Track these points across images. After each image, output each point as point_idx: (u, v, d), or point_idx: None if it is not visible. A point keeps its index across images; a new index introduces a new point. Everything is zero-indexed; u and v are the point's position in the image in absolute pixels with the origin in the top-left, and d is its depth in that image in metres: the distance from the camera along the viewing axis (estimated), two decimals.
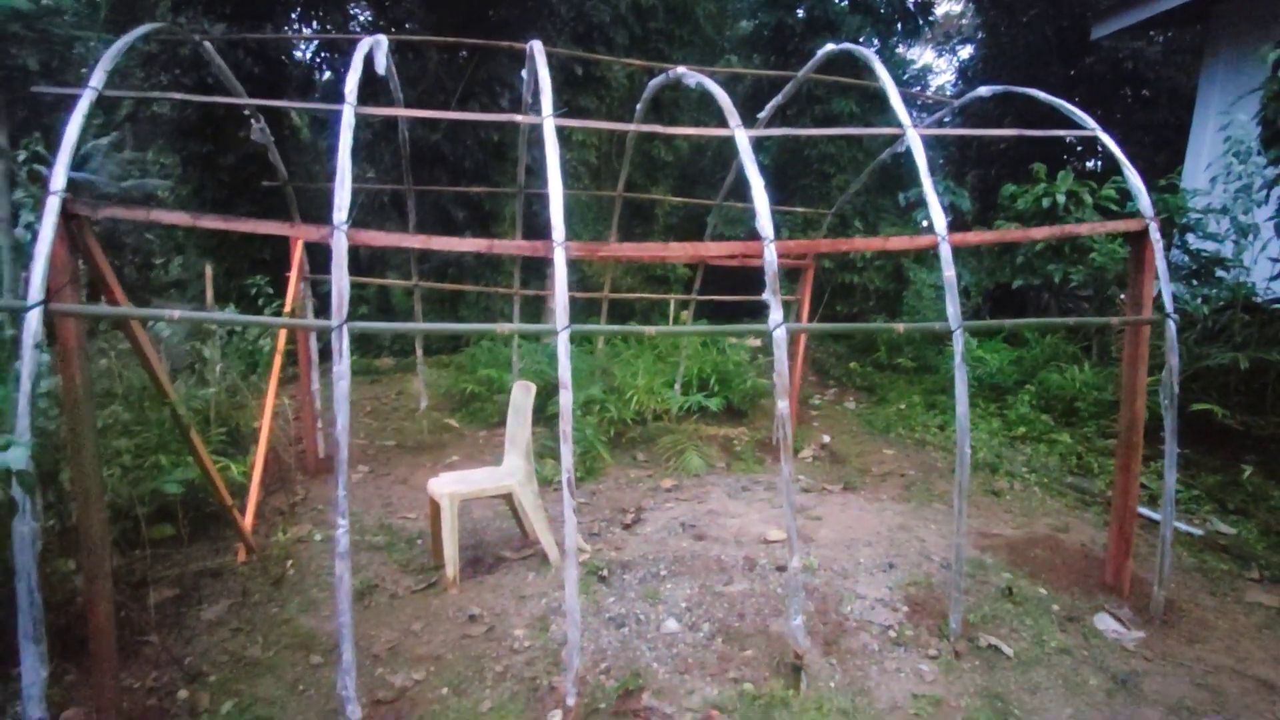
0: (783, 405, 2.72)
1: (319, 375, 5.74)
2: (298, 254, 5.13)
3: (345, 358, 2.29)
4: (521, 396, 3.91)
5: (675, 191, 12.45)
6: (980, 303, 8.98)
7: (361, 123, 2.35)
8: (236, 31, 8.63)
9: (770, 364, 9.42)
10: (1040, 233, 4.13)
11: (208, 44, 3.35)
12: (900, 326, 3.15)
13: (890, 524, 4.21)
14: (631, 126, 3.22)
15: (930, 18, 15.04)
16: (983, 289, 9.10)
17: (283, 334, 5.14)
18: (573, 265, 12.44)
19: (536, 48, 3.17)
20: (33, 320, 2.03)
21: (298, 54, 11.84)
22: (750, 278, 8.72)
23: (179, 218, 2.38)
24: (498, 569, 3.82)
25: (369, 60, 2.95)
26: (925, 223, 11.45)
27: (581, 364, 7.95)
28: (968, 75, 14.55)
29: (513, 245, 2.76)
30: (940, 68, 20.20)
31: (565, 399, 2.51)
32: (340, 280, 2.30)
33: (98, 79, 2.42)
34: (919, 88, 16.77)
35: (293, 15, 11.35)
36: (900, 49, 14.89)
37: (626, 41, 11.70)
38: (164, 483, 3.81)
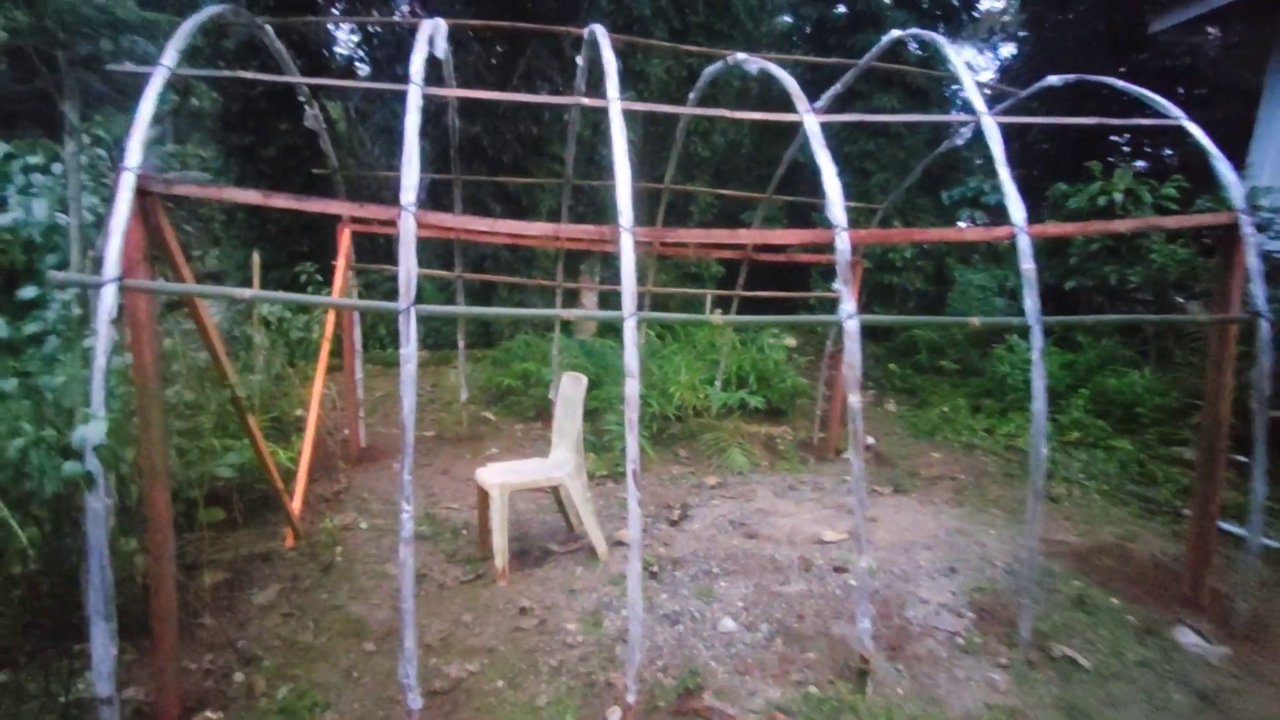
0: (854, 399, 2.62)
1: (361, 364, 5.76)
2: (345, 242, 5.15)
3: (412, 340, 2.24)
4: (571, 387, 3.86)
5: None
6: (1015, 304, 8.71)
7: (403, 112, 2.31)
8: (282, 16, 8.72)
9: (808, 364, 9.23)
10: (1124, 224, 3.96)
11: (268, 28, 3.35)
12: (976, 320, 3.01)
13: (947, 527, 4.07)
14: (698, 111, 3.15)
15: (974, 13, 14.71)
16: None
17: (330, 320, 5.16)
18: (612, 259, 12.30)
19: (599, 31, 3.11)
20: (108, 296, 2.02)
21: (339, 50, 12.00)
22: (784, 275, 8.45)
23: (251, 196, 2.36)
24: (545, 562, 3.77)
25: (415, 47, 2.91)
26: (963, 223, 11.20)
27: (619, 358, 7.91)
28: (1010, 72, 14.19)
29: (579, 230, 2.70)
30: (980, 65, 19.78)
31: (631, 388, 2.44)
32: (408, 261, 2.25)
33: (170, 58, 2.41)
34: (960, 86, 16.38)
35: (335, 10, 11.48)
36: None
37: (665, 35, 11.61)
38: (217, 466, 3.84)
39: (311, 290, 5.08)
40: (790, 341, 10.29)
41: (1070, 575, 3.54)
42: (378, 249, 8.02)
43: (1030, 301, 2.76)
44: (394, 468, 5.50)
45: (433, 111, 9.33)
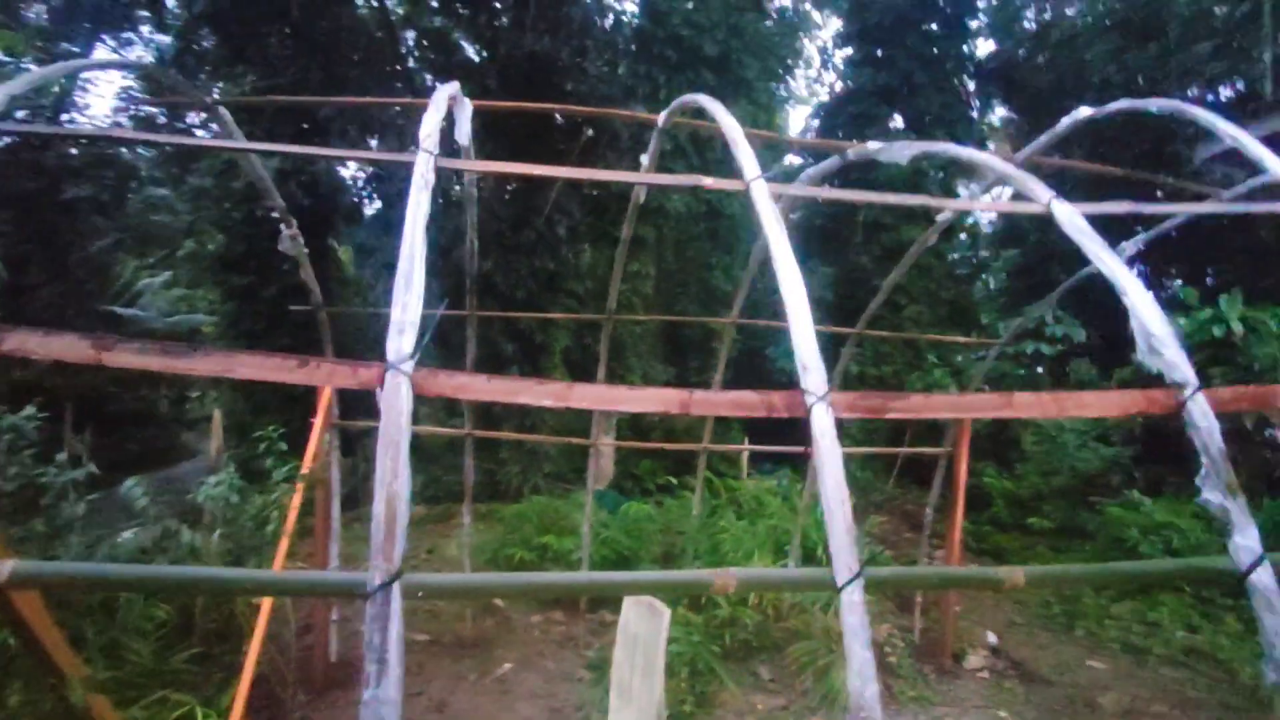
0: None
1: (338, 539, 4.42)
2: (324, 397, 4.01)
3: (395, 670, 0.97)
4: (644, 624, 2.50)
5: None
6: (1123, 450, 7.46)
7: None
8: (293, 160, 8.16)
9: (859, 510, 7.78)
10: None
11: (222, 110, 2.40)
12: None
13: None
14: (873, 196, 2.12)
15: (986, 148, 14.81)
16: (1126, 429, 7.62)
17: (298, 493, 3.88)
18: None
19: (705, 100, 2.13)
20: None
21: (349, 186, 11.59)
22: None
23: (78, 352, 1.18)
24: None
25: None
26: (986, 353, 10.25)
27: (655, 523, 6.49)
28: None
29: (729, 399, 1.51)
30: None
31: None
32: (396, 481, 1.04)
33: None
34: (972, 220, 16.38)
35: (349, 130, 11.09)
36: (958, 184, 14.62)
37: (685, 170, 11.33)
38: None
39: (272, 463, 3.88)
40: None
41: None
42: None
43: None
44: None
45: (443, 246, 8.63)
